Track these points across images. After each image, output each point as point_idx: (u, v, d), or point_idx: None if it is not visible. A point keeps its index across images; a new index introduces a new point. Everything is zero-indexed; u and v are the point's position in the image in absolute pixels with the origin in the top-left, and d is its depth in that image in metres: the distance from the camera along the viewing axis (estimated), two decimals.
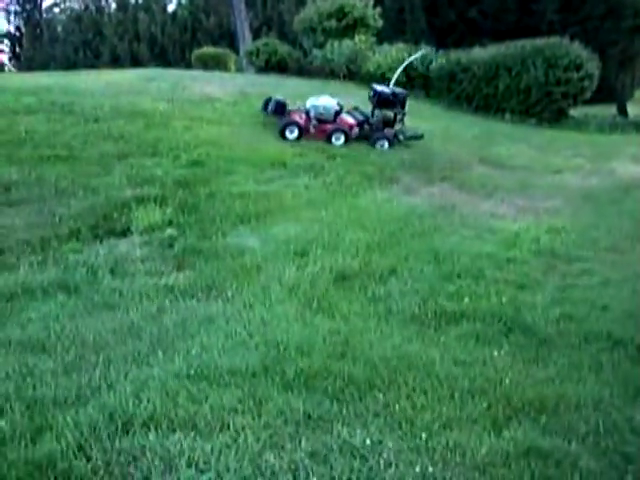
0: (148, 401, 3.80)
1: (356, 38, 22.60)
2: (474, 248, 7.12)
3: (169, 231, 6.98)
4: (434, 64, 19.97)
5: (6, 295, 5.39)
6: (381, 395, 4.06)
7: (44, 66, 40.50)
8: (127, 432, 3.55)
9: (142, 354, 4.43)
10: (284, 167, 10.02)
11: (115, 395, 3.86)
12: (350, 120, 12.73)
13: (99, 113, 11.54)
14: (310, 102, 12.63)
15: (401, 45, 21.29)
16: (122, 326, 4.87)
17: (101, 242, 6.76)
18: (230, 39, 35.87)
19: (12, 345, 4.56)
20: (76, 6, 52.62)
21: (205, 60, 25.27)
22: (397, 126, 12.97)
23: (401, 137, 12.81)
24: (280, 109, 12.72)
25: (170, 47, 42.15)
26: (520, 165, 12.09)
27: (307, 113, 12.50)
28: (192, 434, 3.54)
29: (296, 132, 12.06)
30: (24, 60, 51.92)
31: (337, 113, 12.62)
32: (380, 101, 12.92)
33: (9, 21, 57.40)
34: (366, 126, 12.71)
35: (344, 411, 3.87)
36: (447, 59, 19.88)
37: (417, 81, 20.42)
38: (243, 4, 32.53)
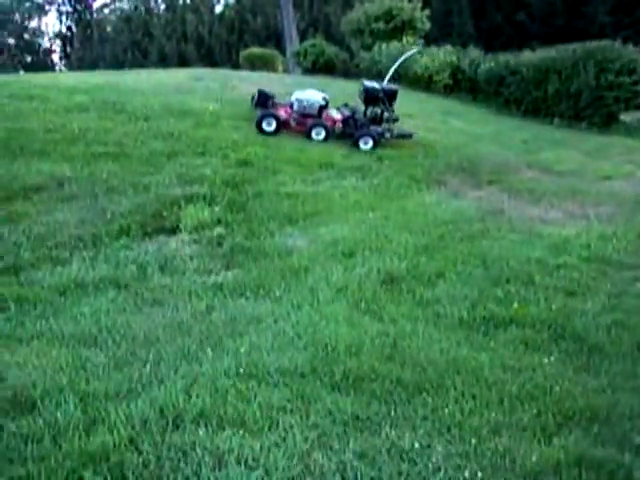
0: (198, 397, 3.83)
1: (404, 40, 22.55)
2: (523, 253, 7.03)
3: (218, 230, 7.05)
4: (482, 67, 19.79)
5: (60, 289, 5.50)
6: (429, 399, 4.04)
7: (93, 66, 41.19)
8: (177, 427, 3.59)
9: (192, 351, 4.47)
10: (332, 168, 10.04)
11: (165, 390, 3.90)
12: (335, 116, 12.38)
13: (149, 112, 11.69)
14: (295, 95, 12.37)
15: (449, 48, 21.15)
16: (172, 323, 4.93)
17: (151, 239, 6.86)
18: (277, 40, 36.08)
19: (65, 338, 4.65)
20: (126, 7, 53.43)
21: (253, 60, 25.43)
22: (384, 124, 12.44)
23: (388, 135, 12.28)
24: (263, 101, 12.47)
25: (217, 47, 42.50)
26: (569, 170, 11.91)
27: (291, 106, 12.24)
28: (241, 432, 3.56)
29: (274, 124, 11.67)
30: (74, 59, 52.82)
31: (322, 108, 12.29)
32: (368, 98, 12.47)
33: (61, 21, 58.55)
34: (351, 122, 12.23)
35: (392, 413, 3.86)
36: (495, 62, 19.68)
37: (464, 84, 20.28)
38: (291, 5, 32.69)
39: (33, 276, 5.80)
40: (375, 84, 12.74)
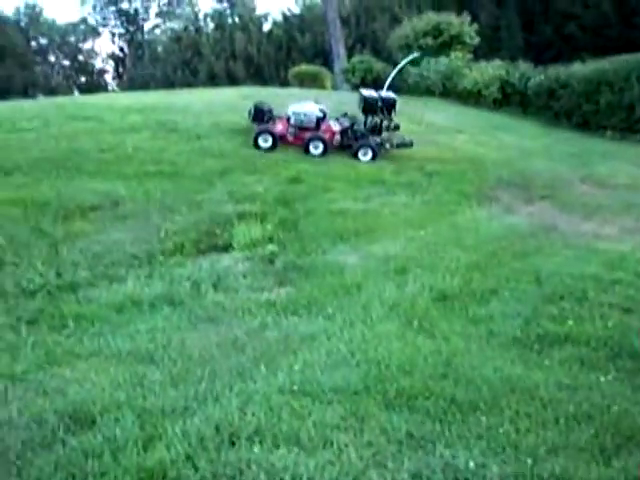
0: (253, 415, 3.86)
1: (452, 55, 22.47)
2: (577, 269, 6.93)
3: (270, 247, 7.11)
4: (532, 81, 19.61)
5: (116, 306, 5.62)
6: (484, 417, 4.00)
7: (145, 85, 41.89)
8: (233, 444, 3.61)
9: (246, 368, 4.51)
10: (382, 184, 10.06)
11: (221, 408, 3.94)
12: (334, 127, 12.06)
13: (200, 130, 11.89)
14: (291, 108, 12.06)
15: (498, 62, 21.02)
16: (226, 340, 4.98)
17: (204, 257, 6.96)
18: (324, 57, 36.26)
19: (122, 355, 4.74)
20: (176, 27, 54.36)
21: (302, 78, 25.62)
22: (384, 134, 12.11)
23: (388, 146, 11.99)
24: (259, 116, 12.04)
25: (265, 65, 42.91)
26: (623, 184, 11.71)
27: (288, 120, 11.90)
28: (296, 449, 3.58)
29: (270, 141, 11.42)
30: (126, 79, 53.93)
31: (320, 120, 11.95)
32: (366, 107, 12.11)
33: (114, 42, 59.87)
34: (350, 133, 11.95)
35: (446, 432, 3.83)
36: (545, 75, 19.48)
37: (514, 98, 20.13)
38: (338, 22, 32.83)
39: (90, 294, 5.94)
40: (373, 93, 12.42)
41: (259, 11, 52.40)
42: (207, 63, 44.61)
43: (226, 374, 4.42)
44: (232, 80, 37.94)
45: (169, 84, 38.51)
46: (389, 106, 12.04)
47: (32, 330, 5.19)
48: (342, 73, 26.62)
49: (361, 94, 12.44)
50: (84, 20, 59.99)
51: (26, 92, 44.97)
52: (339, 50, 31.70)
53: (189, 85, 32.96)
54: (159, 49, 54.29)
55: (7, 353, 4.74)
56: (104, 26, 60.08)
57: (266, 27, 49.12)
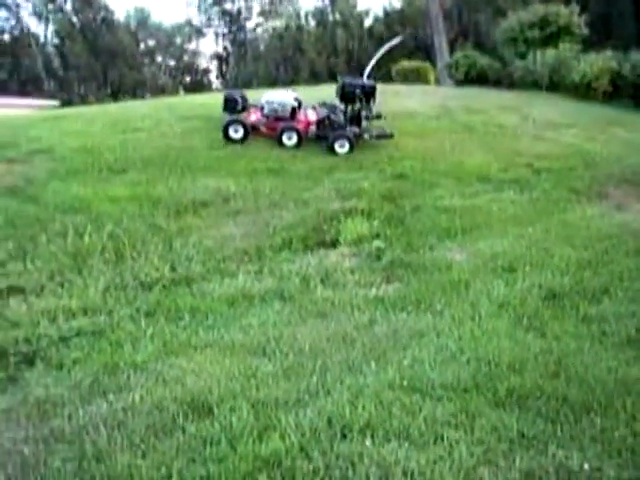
0: (364, 409, 3.92)
1: (560, 47, 21.87)
2: None
3: (376, 243, 7.17)
4: None
5: (229, 300, 5.81)
6: (598, 419, 3.92)
7: (247, 83, 42.68)
8: (345, 437, 3.68)
9: (356, 363, 4.58)
10: (489, 181, 9.94)
11: (332, 401, 4.02)
12: (310, 117, 11.50)
13: None
14: (265, 97, 11.53)
15: (608, 53, 20.33)
16: (336, 335, 5.06)
17: (312, 253, 7.08)
18: (425, 51, 36.00)
19: (236, 348, 4.89)
20: (278, 25, 55.12)
21: (405, 74, 25.52)
22: (364, 123, 11.41)
23: (366, 136, 11.32)
24: (231, 105, 11.49)
25: (366, 61, 42.88)
26: None
27: (262, 109, 11.43)
28: (406, 444, 3.61)
29: (241, 131, 10.99)
30: (230, 78, 55.08)
31: (295, 109, 11.43)
32: (344, 95, 11.43)
33: (217, 42, 61.31)
34: (327, 123, 11.31)
35: (559, 433, 3.78)
36: None
37: (625, 90, 19.42)
38: (440, 16, 32.53)
39: (204, 287, 6.16)
40: (353, 80, 11.76)
41: (360, 7, 52.51)
42: (309, 60, 45.09)
43: (337, 368, 4.50)
44: (333, 76, 38.14)
45: (271, 81, 39.11)
46: (368, 94, 11.42)
47: (150, 321, 5.43)
48: (445, 68, 26.36)
49: (341, 81, 11.78)
50: (189, 21, 61.69)
51: (135, 92, 46.65)
52: (442, 45, 31.43)
53: (291, 82, 33.36)
54: (261, 47, 55.23)
55: (129, 343, 4.99)
56: (208, 26, 61.63)
57: (367, 23, 49.20)
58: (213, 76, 62.83)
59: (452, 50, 30.67)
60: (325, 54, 46.11)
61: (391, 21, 45.85)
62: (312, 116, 11.61)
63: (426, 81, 25.54)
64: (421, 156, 10.87)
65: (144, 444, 3.61)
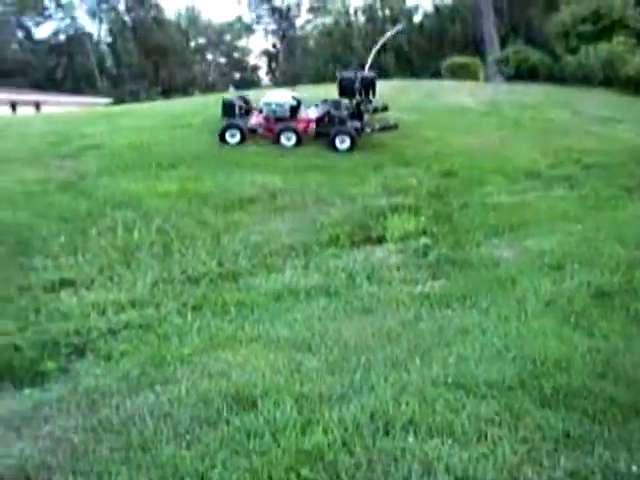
0: (407, 405, 3.90)
1: (614, 41, 21.44)
2: None
3: (423, 240, 7.15)
4: None
5: (275, 295, 5.86)
6: None
7: (296, 80, 42.75)
8: (387, 433, 3.67)
9: (400, 359, 4.57)
10: (538, 178, 9.83)
11: (376, 397, 4.01)
12: (310, 115, 11.25)
13: None
14: (264, 99, 11.37)
15: None
16: (381, 331, 5.06)
17: (358, 249, 7.09)
18: (476, 47, 35.59)
19: (281, 342, 4.93)
20: (327, 21, 55.10)
21: (454, 69, 25.29)
22: (366, 117, 11.16)
23: (368, 130, 11.01)
24: (230, 110, 11.36)
25: (415, 57, 42.68)
26: None
27: (260, 112, 11.25)
28: (450, 441, 3.59)
29: (238, 136, 10.87)
30: (279, 74, 55.30)
31: (295, 109, 11.21)
32: (342, 88, 11.22)
33: (267, 39, 61.65)
34: (327, 120, 11.04)
35: (606, 433, 3.71)
36: None
37: None
38: (491, 10, 32.15)
39: (250, 282, 6.22)
40: (351, 73, 11.54)
41: (409, 3, 52.22)
42: (358, 56, 44.93)
43: (381, 364, 4.50)
44: (382, 73, 37.99)
45: (320, 78, 39.11)
46: (367, 86, 11.17)
47: (197, 315, 5.52)
48: (495, 64, 26.05)
49: (339, 75, 11.62)
50: (239, 19, 62.11)
51: (185, 90, 47.16)
52: (492, 40, 31.06)
53: None
54: (310, 44, 55.27)
55: (176, 336, 5.07)
56: (258, 23, 61.95)
57: (417, 19, 48.87)
58: (262, 73, 63.25)
59: (503, 45, 30.25)
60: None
61: (441, 16, 45.46)
62: (313, 114, 11.36)
63: (475, 77, 25.27)
64: (469, 152, 10.80)
65: (189, 435, 3.65)
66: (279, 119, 11.20)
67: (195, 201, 8.38)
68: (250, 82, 54.71)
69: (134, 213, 7.86)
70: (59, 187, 8.85)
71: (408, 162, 10.08)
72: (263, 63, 63.12)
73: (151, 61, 52.70)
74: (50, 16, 54.93)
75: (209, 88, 49.12)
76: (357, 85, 11.15)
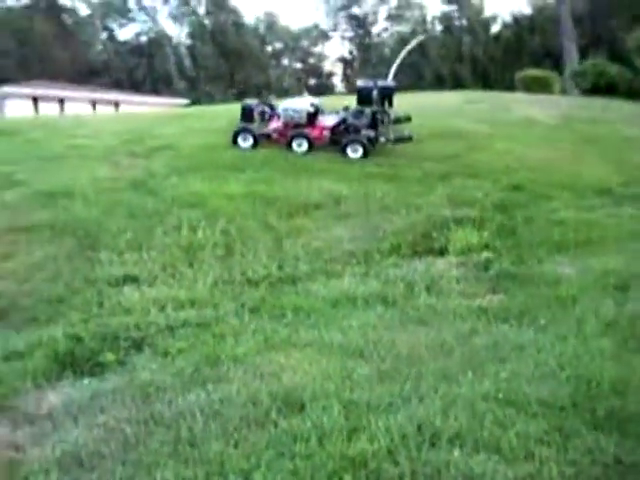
0: (455, 419, 3.88)
1: None
2: None
3: (485, 254, 7.08)
4: None
5: (332, 301, 5.90)
6: None
7: None
8: (433, 445, 3.65)
9: (452, 372, 4.54)
10: (608, 195, 9.60)
11: (424, 408, 4.00)
12: (327, 123, 11.12)
13: (423, 134, 11.97)
14: (282, 105, 11.38)
15: None
16: (435, 342, 5.03)
17: (419, 259, 7.08)
18: (554, 59, 35.01)
19: (334, 348, 4.95)
20: (404, 30, 55.05)
21: (528, 82, 24.89)
22: (383, 127, 10.95)
23: (382, 140, 10.85)
24: (248, 115, 11.38)
25: (492, 68, 42.28)
26: None
27: (279, 117, 11.23)
28: (496, 457, 3.54)
29: (250, 140, 10.91)
30: (353, 81, 55.42)
31: (312, 115, 11.08)
32: (361, 97, 11.04)
33: (343, 45, 61.91)
34: (342, 128, 10.90)
35: None
36: None
37: None
38: (571, 22, 31.59)
39: (309, 287, 6.28)
40: (370, 82, 11.35)
41: (487, 13, 51.69)
42: (433, 66, 44.77)
43: (432, 376, 4.48)
44: (457, 83, 37.76)
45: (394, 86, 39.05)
46: (386, 96, 11.04)
47: (254, 317, 5.60)
48: (572, 77, 25.56)
49: (357, 84, 11.49)
50: (316, 25, 62.54)
51: (260, 93, 47.72)
52: (571, 52, 30.55)
53: (414, 87, 33.22)
54: (386, 52, 55.28)
55: (231, 337, 5.16)
56: (334, 30, 62.26)
57: (494, 29, 48.39)
58: (337, 79, 63.49)
59: (583, 58, 29.70)
60: (450, 60, 45.69)
61: (519, 27, 44.90)
62: (330, 122, 11.31)
63: (550, 90, 24.82)
64: (538, 166, 10.63)
65: (237, 434, 3.71)
66: (297, 125, 11.21)
67: (260, 204, 8.50)
68: (325, 88, 55.02)
69: (199, 213, 8.03)
70: (129, 185, 9.11)
71: (476, 174, 9.99)
72: (338, 70, 63.42)
73: (228, 64, 53.55)
74: (133, 19, 56.53)
75: (284, 93, 49.60)
76: (375, 94, 11.06)
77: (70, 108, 28.99)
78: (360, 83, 11.63)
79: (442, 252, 7.30)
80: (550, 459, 3.56)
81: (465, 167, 10.30)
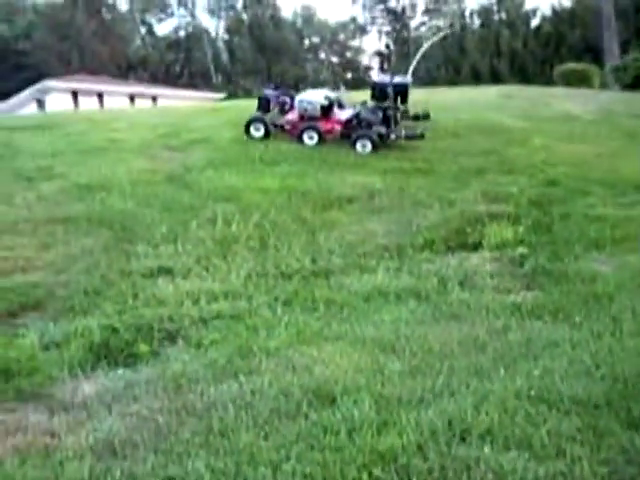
0: (487, 415, 3.85)
1: None
2: None
3: (520, 250, 7.01)
4: None
5: (365, 295, 5.90)
6: None
7: None
8: (464, 440, 3.63)
9: (484, 368, 4.51)
10: None
11: (455, 403, 3.98)
12: (341, 116, 11.15)
13: (459, 128, 11.93)
14: (298, 97, 11.44)
15: None
16: (467, 338, 5.01)
17: (452, 254, 7.03)
18: (594, 53, 34.48)
19: (366, 342, 4.96)
20: (442, 24, 54.67)
21: (567, 77, 24.55)
22: (394, 123, 10.90)
23: (393, 136, 10.80)
24: (265, 106, 11.55)
25: (530, 62, 41.72)
26: None
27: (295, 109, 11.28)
28: (526, 454, 3.51)
29: (262, 130, 11.07)
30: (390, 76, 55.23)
31: (326, 108, 11.11)
32: (375, 93, 11.07)
33: (380, 40, 61.68)
34: (354, 122, 10.89)
35: None
36: None
37: None
38: (613, 15, 31.07)
39: (342, 281, 6.28)
40: (386, 78, 11.37)
41: (527, 6, 51.06)
42: (471, 60, 44.31)
43: (464, 371, 4.46)
44: (495, 78, 37.35)
45: (431, 81, 38.81)
46: (400, 93, 11.10)
47: (286, 310, 5.62)
48: (612, 72, 25.17)
49: (372, 79, 11.46)
50: (354, 19, 62.40)
51: (297, 87, 47.78)
52: (612, 46, 30.07)
53: (451, 82, 33.03)
54: (424, 46, 55.00)
55: (264, 329, 5.19)
56: (372, 24, 62.10)
57: (534, 23, 47.78)
58: (374, 73, 63.34)
59: (624, 53, 29.21)
60: (488, 55, 45.20)
61: (560, 21, 44.24)
62: (344, 115, 11.36)
63: (590, 85, 24.46)
64: (576, 162, 10.49)
65: (267, 426, 3.73)
66: (311, 117, 11.28)
67: (294, 198, 8.52)
68: (361, 82, 54.89)
69: (234, 207, 8.08)
70: (165, 178, 9.20)
71: (511, 169, 9.90)
72: (375, 64, 63.20)
73: (265, 58, 53.69)
74: (172, 13, 56.97)
75: (320, 86, 49.60)
76: (389, 90, 11.12)
77: (109, 102, 29.38)
78: (376, 79, 11.82)
79: (476, 247, 7.25)
80: (582, 457, 3.51)
81: (501, 162, 10.22)
